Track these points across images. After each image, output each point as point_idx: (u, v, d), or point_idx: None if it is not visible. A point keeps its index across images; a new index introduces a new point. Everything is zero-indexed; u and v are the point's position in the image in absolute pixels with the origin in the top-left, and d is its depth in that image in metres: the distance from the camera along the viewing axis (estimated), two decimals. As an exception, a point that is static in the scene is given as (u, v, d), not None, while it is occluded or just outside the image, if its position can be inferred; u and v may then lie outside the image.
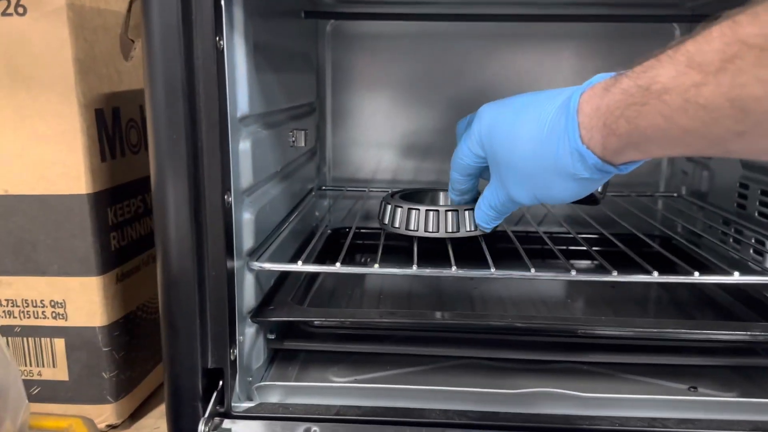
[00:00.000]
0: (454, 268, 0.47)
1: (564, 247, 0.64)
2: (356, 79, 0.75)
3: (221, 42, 0.38)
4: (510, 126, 0.39)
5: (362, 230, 0.70)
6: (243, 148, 0.42)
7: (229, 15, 0.39)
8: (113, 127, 0.50)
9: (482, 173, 0.46)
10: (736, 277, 0.44)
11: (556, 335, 0.47)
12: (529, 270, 0.46)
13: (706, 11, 0.66)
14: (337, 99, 0.76)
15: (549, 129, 0.35)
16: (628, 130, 0.30)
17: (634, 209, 0.68)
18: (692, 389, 0.49)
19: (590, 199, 0.41)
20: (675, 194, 0.73)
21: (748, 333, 0.47)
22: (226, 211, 0.40)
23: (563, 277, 0.46)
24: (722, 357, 0.50)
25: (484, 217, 0.45)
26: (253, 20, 0.43)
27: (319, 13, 0.67)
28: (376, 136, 0.77)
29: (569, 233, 0.62)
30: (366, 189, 0.75)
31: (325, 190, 0.76)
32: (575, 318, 0.55)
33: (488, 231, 0.47)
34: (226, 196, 0.39)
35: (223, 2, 0.38)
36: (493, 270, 0.46)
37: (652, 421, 0.41)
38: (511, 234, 0.55)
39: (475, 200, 0.48)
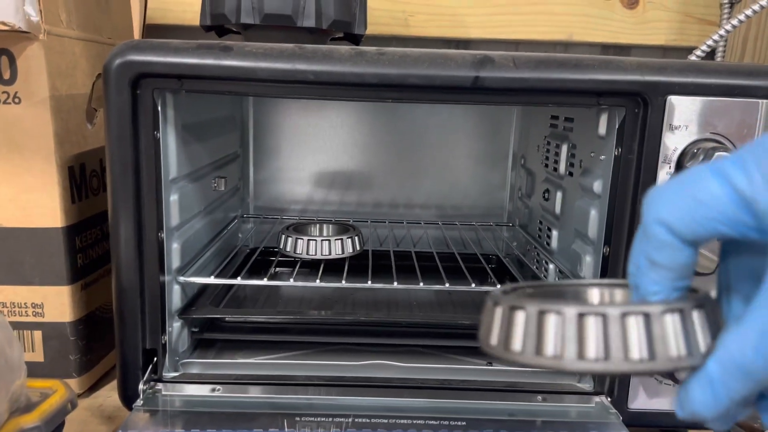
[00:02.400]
0: (343, 281, 0.67)
1: (424, 263, 0.86)
2: (274, 131, 0.96)
3: (158, 134, 0.58)
4: None
5: (271, 249, 0.90)
6: (173, 199, 0.62)
7: (164, 115, 0.59)
8: (80, 178, 0.70)
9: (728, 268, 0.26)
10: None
11: (390, 326, 0.69)
12: (392, 283, 0.67)
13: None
14: (258, 146, 0.96)
15: None
16: None
17: (484, 234, 0.91)
18: (489, 364, 0.71)
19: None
20: (511, 224, 0.96)
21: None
22: (160, 244, 0.59)
23: (412, 287, 0.67)
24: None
25: (717, 396, 0.22)
26: (182, 112, 0.64)
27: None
28: (290, 174, 0.98)
29: (431, 251, 0.84)
30: (280, 216, 0.96)
31: (247, 217, 0.97)
32: (399, 314, 0.77)
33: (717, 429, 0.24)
34: (159, 233, 0.59)
35: (159, 108, 0.58)
36: (369, 283, 0.66)
37: (442, 381, 0.63)
38: (370, 252, 0.76)
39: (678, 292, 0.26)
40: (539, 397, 0.62)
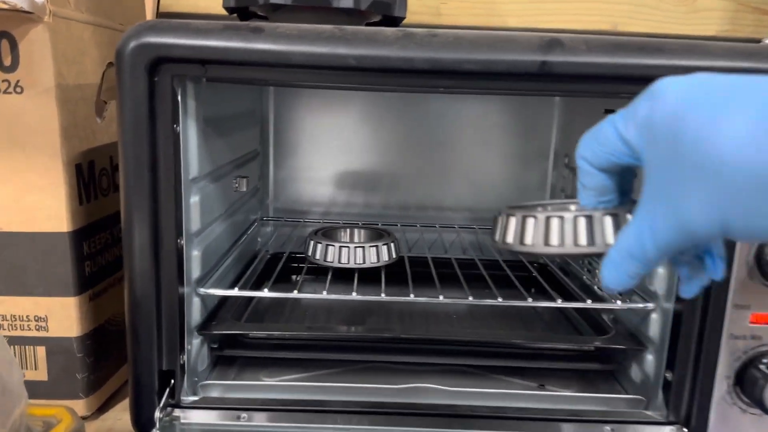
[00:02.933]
0: (383, 294, 0.60)
1: (466, 271, 0.79)
2: (296, 127, 0.89)
3: (177, 127, 0.51)
4: (722, 107, 0.26)
5: (296, 255, 0.83)
6: (193, 201, 0.56)
7: (184, 106, 0.52)
8: (89, 177, 0.63)
9: (621, 179, 0.34)
10: (560, 303, 0.59)
11: (436, 344, 0.62)
12: (438, 297, 0.60)
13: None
14: (278, 143, 0.89)
15: None
16: None
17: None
18: (541, 386, 0.64)
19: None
20: (553, 229, 0.89)
21: (585, 345, 0.63)
22: (179, 251, 0.53)
23: (462, 301, 0.60)
24: (565, 362, 0.65)
25: (618, 273, 0.31)
26: (203, 103, 0.57)
27: (259, 83, 0.81)
28: (311, 174, 0.91)
29: (472, 258, 0.77)
30: (302, 220, 0.89)
31: (267, 220, 0.90)
32: (446, 330, 0.69)
33: (615, 292, 0.36)
34: (179, 240, 0.53)
35: (179, 97, 0.51)
36: (411, 296, 0.59)
37: (498, 409, 0.56)
38: (406, 260, 0.69)
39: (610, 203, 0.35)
40: (607, 428, 0.54)
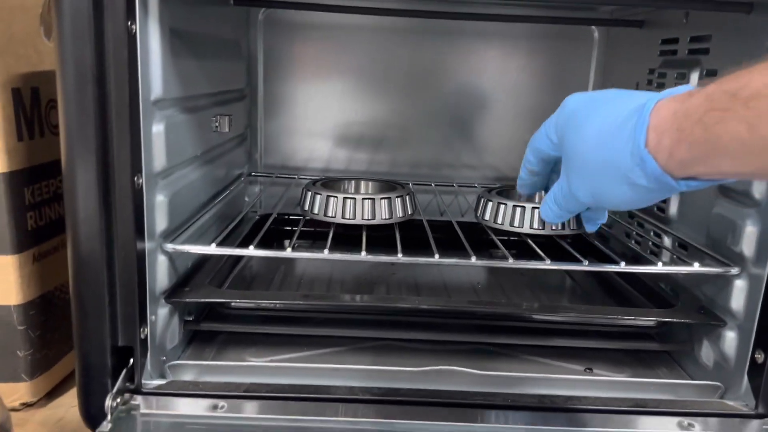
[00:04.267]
0: (400, 255, 0.48)
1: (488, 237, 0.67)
2: (289, 68, 0.77)
3: (133, 26, 0.38)
4: (586, 116, 0.37)
5: (290, 217, 0.71)
6: (156, 130, 0.43)
7: (143, 1, 0.39)
8: (32, 107, 0.50)
9: (554, 165, 0.43)
10: (622, 267, 0.47)
11: (462, 317, 0.50)
12: (470, 258, 0.48)
13: (625, 15, 0.70)
14: (269, 87, 0.77)
15: (619, 125, 0.33)
16: (704, 137, 0.29)
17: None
18: (588, 370, 0.52)
19: None
20: (589, 188, 0.77)
21: (644, 318, 0.51)
22: (136, 193, 0.40)
23: (499, 263, 0.48)
24: (617, 341, 0.53)
25: (548, 212, 0.42)
26: (170, 5, 0.44)
27: (248, 1, 0.68)
28: (308, 125, 0.79)
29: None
30: (296, 176, 0.76)
31: (255, 176, 0.77)
32: (478, 301, 0.57)
33: (550, 223, 0.48)
34: (136, 178, 0.40)
35: (135, -13, 0.38)
36: (437, 257, 0.47)
37: (542, 398, 0.44)
38: (425, 222, 0.57)
39: (541, 187, 0.45)
40: (684, 422, 0.43)
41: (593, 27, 0.74)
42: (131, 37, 0.38)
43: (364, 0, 0.69)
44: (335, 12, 0.70)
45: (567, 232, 0.53)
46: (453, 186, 0.76)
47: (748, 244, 0.45)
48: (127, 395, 0.43)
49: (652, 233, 0.61)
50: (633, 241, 0.65)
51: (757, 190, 0.45)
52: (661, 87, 0.61)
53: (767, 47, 0.44)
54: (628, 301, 0.59)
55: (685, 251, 0.54)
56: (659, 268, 0.48)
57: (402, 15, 0.70)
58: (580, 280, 0.68)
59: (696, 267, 0.47)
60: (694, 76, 0.54)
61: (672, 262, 0.55)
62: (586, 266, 0.47)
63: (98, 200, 0.39)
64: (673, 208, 0.57)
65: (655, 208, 0.60)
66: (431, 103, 0.78)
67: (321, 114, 0.78)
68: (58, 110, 0.38)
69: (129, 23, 0.38)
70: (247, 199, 0.76)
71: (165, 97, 0.44)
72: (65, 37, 0.37)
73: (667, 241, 0.58)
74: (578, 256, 0.49)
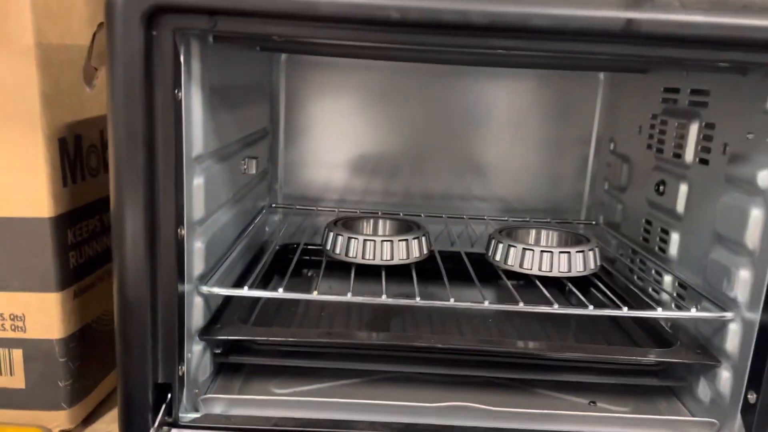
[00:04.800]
0: (418, 298, 0.51)
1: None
2: (308, 104, 0.80)
3: (179, 93, 0.42)
4: None
5: (309, 247, 0.74)
6: (197, 183, 0.47)
7: (187, 68, 0.43)
8: (75, 154, 0.54)
9: None
10: (625, 312, 0.51)
11: (474, 354, 0.53)
12: (483, 302, 0.51)
13: (632, 66, 0.73)
14: (289, 122, 0.80)
15: None
16: None
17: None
18: (592, 404, 0.55)
19: None
20: (594, 222, 0.81)
21: (645, 358, 0.54)
22: (179, 243, 0.44)
23: (510, 307, 0.51)
24: (619, 376, 0.57)
25: None
26: (210, 68, 0.48)
27: (272, 47, 0.72)
28: (326, 157, 0.82)
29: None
30: (315, 207, 0.80)
31: (276, 207, 0.81)
32: (489, 340, 0.60)
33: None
34: (179, 229, 0.44)
35: (182, 57, 0.42)
36: (452, 300, 0.51)
37: (546, 434, 0.48)
38: (437, 255, 0.60)
39: None
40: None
41: (599, 74, 0.78)
42: (177, 103, 0.42)
43: (376, 50, 0.73)
44: (351, 58, 0.74)
45: (573, 274, 0.56)
46: (463, 218, 0.80)
47: (741, 290, 0.49)
48: (165, 428, 0.46)
49: (653, 271, 0.64)
50: (636, 277, 0.68)
51: (750, 241, 0.48)
52: (662, 134, 0.65)
53: (765, 110, 0.48)
54: (630, 338, 0.62)
55: (684, 290, 0.58)
56: (659, 313, 0.51)
57: (414, 61, 0.74)
58: (588, 316, 0.71)
59: (693, 312, 0.50)
60: (694, 127, 0.58)
61: (673, 300, 0.58)
62: (591, 311, 0.50)
63: (145, 250, 0.43)
64: (673, 250, 0.61)
65: (657, 248, 0.64)
66: (443, 137, 0.82)
67: (338, 146, 0.82)
68: (109, 169, 0.42)
69: (176, 91, 0.42)
70: (267, 229, 0.79)
71: (204, 153, 0.48)
72: (117, 103, 0.41)
73: (667, 280, 0.61)
74: (584, 300, 0.52)
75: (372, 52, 0.56)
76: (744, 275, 0.49)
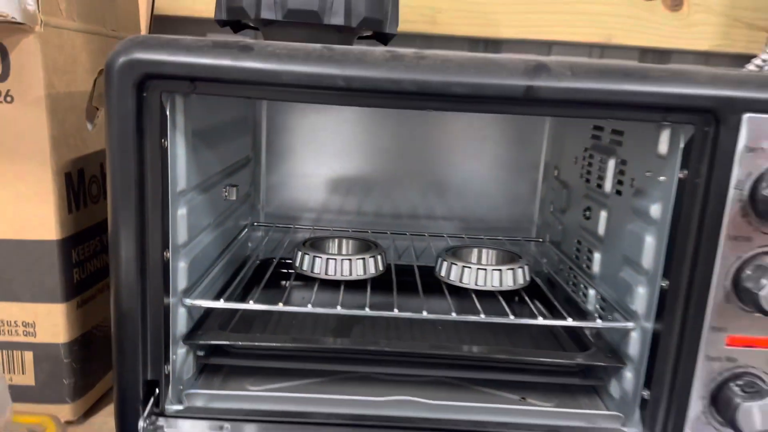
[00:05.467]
0: (367, 309, 0.60)
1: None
2: (288, 134, 0.90)
3: (165, 141, 0.51)
4: None
5: (287, 260, 0.83)
6: (180, 213, 0.56)
7: (172, 120, 0.52)
8: (78, 185, 0.63)
9: None
10: (540, 321, 0.60)
11: (419, 357, 0.62)
12: (422, 312, 0.60)
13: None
14: (271, 149, 0.90)
15: None
16: None
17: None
18: (522, 399, 0.64)
19: None
20: (541, 240, 0.90)
21: (562, 360, 0.63)
22: (165, 263, 0.53)
23: (445, 317, 0.61)
24: (547, 376, 0.66)
25: None
26: (192, 116, 0.57)
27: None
28: (305, 181, 0.92)
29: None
30: (292, 225, 0.89)
31: (258, 225, 0.90)
32: (431, 343, 0.69)
33: None
34: (165, 252, 0.53)
35: (168, 112, 0.51)
36: (396, 311, 0.60)
37: (477, 423, 0.57)
38: (393, 269, 0.69)
39: None
40: (585, 445, 0.55)
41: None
42: (164, 150, 0.51)
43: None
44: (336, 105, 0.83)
45: (504, 288, 0.65)
46: (425, 235, 0.89)
47: (640, 304, 0.58)
48: (153, 417, 0.55)
49: (582, 285, 0.73)
50: (570, 290, 0.77)
51: (646, 262, 0.57)
52: (590, 165, 0.74)
53: (657, 154, 0.57)
54: (559, 343, 0.71)
55: (605, 303, 0.67)
56: (569, 322, 0.60)
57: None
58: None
59: (598, 323, 0.60)
60: (612, 162, 0.67)
61: (596, 311, 0.68)
62: (512, 320, 0.59)
63: (136, 269, 0.52)
64: (596, 267, 0.70)
65: (584, 265, 0.73)
66: (410, 162, 0.91)
67: (315, 171, 0.91)
68: (108, 203, 0.51)
69: (162, 140, 0.51)
70: (250, 244, 0.89)
71: (187, 187, 0.57)
72: (114, 151, 0.50)
73: (592, 293, 0.70)
74: (508, 310, 0.62)
75: (331, 103, 0.65)
76: (641, 291, 0.58)
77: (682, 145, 0.52)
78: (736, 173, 0.50)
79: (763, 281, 0.50)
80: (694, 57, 0.97)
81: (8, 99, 0.56)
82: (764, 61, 0.71)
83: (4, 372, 0.62)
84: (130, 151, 0.49)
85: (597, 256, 0.70)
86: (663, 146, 0.55)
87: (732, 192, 0.50)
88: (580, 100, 0.49)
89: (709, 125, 0.50)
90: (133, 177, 0.50)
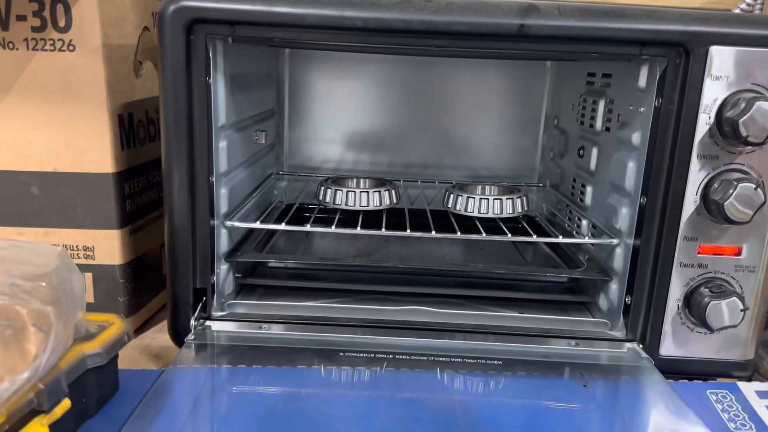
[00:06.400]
0: (383, 229, 0.69)
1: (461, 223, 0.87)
2: (308, 90, 0.98)
3: (209, 80, 0.60)
4: None
5: (308, 205, 0.92)
6: (222, 146, 0.65)
7: (214, 62, 0.61)
8: (129, 126, 0.72)
9: None
10: (534, 238, 0.68)
11: (426, 274, 0.71)
12: (431, 231, 0.69)
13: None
14: (292, 105, 0.98)
15: None
16: None
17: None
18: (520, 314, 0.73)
19: None
20: (542, 185, 0.98)
21: (558, 276, 0.72)
22: (210, 188, 0.62)
23: (450, 235, 0.69)
24: (543, 293, 0.74)
25: None
26: (230, 61, 0.65)
27: (278, 45, 0.89)
28: (323, 134, 1.00)
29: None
30: (313, 174, 0.98)
31: (282, 174, 0.99)
32: (441, 263, 0.78)
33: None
34: (210, 177, 0.62)
35: (211, 54, 0.60)
36: (408, 231, 0.68)
37: (478, 326, 0.65)
38: (406, 210, 0.78)
39: None
40: (573, 342, 0.64)
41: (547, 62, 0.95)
42: (208, 87, 0.60)
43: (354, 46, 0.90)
44: (336, 51, 0.91)
45: (504, 215, 0.74)
46: (435, 183, 0.97)
47: (623, 223, 0.66)
48: (201, 320, 0.64)
49: (577, 218, 0.81)
50: (566, 224, 0.85)
51: (628, 185, 0.65)
52: (584, 109, 0.82)
53: (638, 88, 0.64)
54: (555, 264, 0.79)
55: (594, 230, 0.75)
56: (560, 239, 0.68)
57: (395, 53, 0.91)
58: (524, 251, 0.88)
59: (586, 239, 0.68)
60: (602, 103, 0.75)
61: (587, 237, 0.76)
62: (509, 238, 0.68)
63: (187, 192, 0.60)
64: (588, 200, 0.78)
65: (578, 200, 0.81)
66: (420, 116, 0.99)
67: (333, 125, 1.00)
68: (161, 134, 0.60)
69: (207, 78, 0.59)
70: (275, 192, 0.97)
71: (226, 123, 0.65)
72: (167, 88, 0.58)
73: (585, 224, 0.78)
74: (505, 230, 0.70)
75: (350, 43, 0.73)
76: (624, 212, 0.66)
77: (657, 76, 0.60)
78: (704, 99, 0.57)
79: (727, 194, 0.57)
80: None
81: (71, 48, 0.65)
82: (748, 4, 0.78)
83: (68, 291, 0.71)
84: (180, 87, 0.58)
85: (589, 189, 0.77)
86: (642, 80, 0.63)
87: (701, 116, 0.58)
88: (567, 36, 0.57)
89: (680, 57, 0.57)
90: (183, 110, 0.58)
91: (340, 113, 0.99)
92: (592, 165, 0.77)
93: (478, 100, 0.98)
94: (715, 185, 0.58)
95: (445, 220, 0.79)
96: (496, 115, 0.99)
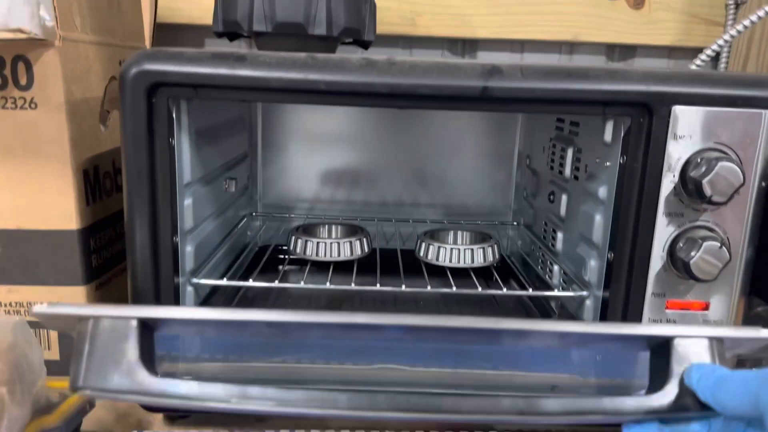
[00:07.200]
0: (352, 284, 0.68)
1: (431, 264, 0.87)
2: (282, 130, 0.97)
3: (172, 140, 0.59)
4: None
5: (282, 246, 0.91)
6: (187, 203, 0.64)
7: (178, 122, 0.60)
8: (94, 180, 0.71)
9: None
10: (504, 291, 0.68)
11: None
12: (400, 285, 0.68)
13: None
14: (266, 146, 0.97)
15: None
16: None
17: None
18: (494, 364, 0.72)
19: None
20: (516, 223, 0.98)
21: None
22: (174, 247, 0.61)
23: (419, 290, 0.69)
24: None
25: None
26: (195, 117, 0.65)
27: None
28: (298, 173, 0.99)
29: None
30: (288, 215, 0.97)
31: (256, 215, 0.98)
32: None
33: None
34: (174, 237, 0.61)
35: (174, 115, 0.59)
36: (378, 286, 0.68)
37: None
38: (377, 252, 0.77)
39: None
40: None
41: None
42: (171, 148, 0.59)
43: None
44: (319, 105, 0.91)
45: (475, 265, 0.73)
46: (409, 221, 0.97)
47: (592, 275, 0.66)
48: (167, 382, 0.63)
49: (548, 262, 0.81)
50: (539, 267, 0.85)
51: (596, 237, 0.65)
52: (554, 154, 0.82)
53: (603, 142, 0.64)
54: (528, 313, 0.79)
55: (566, 276, 0.75)
56: (529, 292, 0.68)
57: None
58: (502, 300, 0.88)
59: (555, 292, 0.67)
60: (570, 150, 0.75)
61: (560, 285, 0.76)
62: (479, 292, 0.67)
63: (150, 253, 0.59)
64: (559, 246, 0.78)
65: (550, 244, 0.81)
66: (395, 154, 0.99)
67: (307, 165, 0.99)
68: (123, 194, 0.59)
69: (170, 139, 0.58)
70: (249, 232, 0.96)
71: (192, 180, 0.65)
72: (128, 149, 0.57)
73: (556, 269, 0.78)
74: (476, 283, 0.70)
75: (315, 104, 0.72)
76: (593, 264, 0.66)
77: (623, 134, 0.60)
78: (668, 158, 0.58)
79: (693, 252, 0.57)
80: (657, 51, 1.05)
81: (32, 105, 0.64)
82: (708, 55, 0.78)
83: (32, 348, 0.70)
84: (142, 149, 0.57)
85: (560, 235, 0.77)
86: (608, 135, 0.63)
87: (666, 174, 0.58)
88: (530, 97, 0.57)
89: (644, 117, 0.58)
90: (145, 172, 0.58)
91: (314, 152, 0.99)
92: (562, 211, 0.77)
93: (451, 138, 0.98)
94: (681, 243, 0.59)
95: (417, 266, 0.78)
96: (469, 153, 0.99)
